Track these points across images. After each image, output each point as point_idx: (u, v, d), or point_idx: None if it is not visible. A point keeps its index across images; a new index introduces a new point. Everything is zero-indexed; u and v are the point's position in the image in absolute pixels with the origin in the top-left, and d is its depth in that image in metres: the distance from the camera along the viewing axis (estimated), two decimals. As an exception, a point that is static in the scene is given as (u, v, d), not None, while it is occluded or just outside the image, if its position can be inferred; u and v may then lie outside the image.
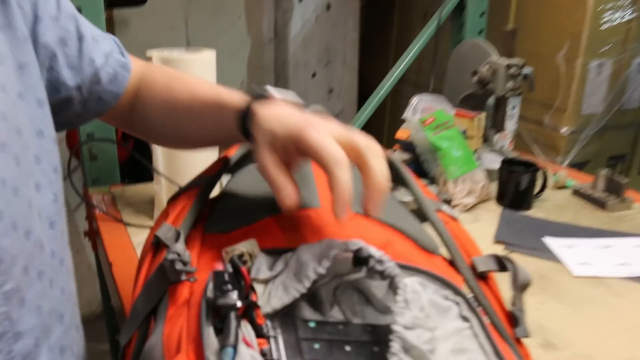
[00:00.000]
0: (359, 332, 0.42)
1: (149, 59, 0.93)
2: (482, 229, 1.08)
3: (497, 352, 0.41)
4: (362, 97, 2.67)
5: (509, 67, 1.27)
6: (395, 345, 0.37)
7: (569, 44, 1.82)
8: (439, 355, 0.39)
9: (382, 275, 0.42)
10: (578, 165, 1.90)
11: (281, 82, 2.57)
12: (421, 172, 1.19)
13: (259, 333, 0.40)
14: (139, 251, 0.94)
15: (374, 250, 0.43)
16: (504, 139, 1.47)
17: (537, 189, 1.21)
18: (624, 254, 0.99)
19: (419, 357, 0.37)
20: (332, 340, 0.41)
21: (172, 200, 0.63)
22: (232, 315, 0.39)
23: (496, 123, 1.36)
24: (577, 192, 1.27)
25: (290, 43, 2.46)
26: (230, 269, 0.43)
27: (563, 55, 1.83)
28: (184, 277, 0.45)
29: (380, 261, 0.42)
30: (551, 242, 1.03)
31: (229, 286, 0.41)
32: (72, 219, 1.97)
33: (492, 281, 0.55)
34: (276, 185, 0.48)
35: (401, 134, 1.25)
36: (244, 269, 0.43)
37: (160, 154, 1.01)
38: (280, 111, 0.51)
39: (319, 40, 2.53)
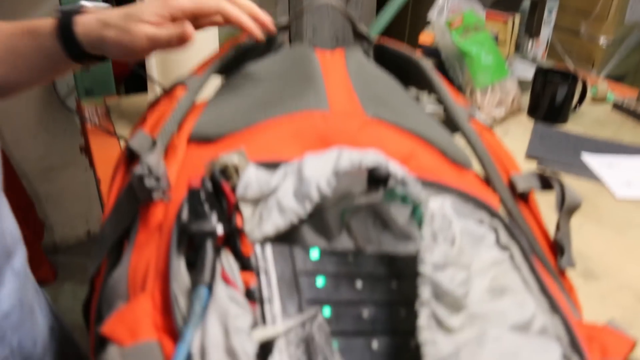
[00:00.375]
0: (373, 264, 0.34)
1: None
2: (512, 143, 0.97)
3: (543, 289, 0.33)
4: (381, 5, 2.50)
5: (550, -38, 1.11)
6: (424, 291, 0.28)
7: (615, -59, 1.63)
8: (474, 297, 0.30)
9: (404, 200, 0.33)
10: (614, 79, 1.76)
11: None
12: (446, 81, 1.07)
13: (245, 266, 0.31)
14: None
15: (395, 167, 0.33)
16: (538, 47, 1.33)
17: (574, 101, 1.09)
18: (672, 174, 0.89)
19: (454, 305, 0.28)
20: (340, 274, 0.33)
21: (153, 105, 0.53)
22: (209, 244, 0.30)
23: (530, 28, 1.22)
24: (618, 107, 1.14)
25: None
26: (209, 187, 0.33)
27: (608, -46, 1.65)
28: (155, 195, 0.36)
29: (403, 182, 0.33)
30: (590, 159, 0.92)
31: (207, 207, 0.32)
32: (71, 135, 1.89)
33: (533, 203, 0.46)
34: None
35: (425, 38, 1.12)
36: (226, 185, 0.34)
37: (153, 60, 0.90)
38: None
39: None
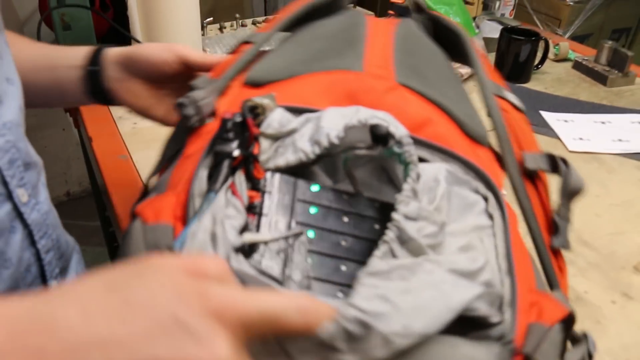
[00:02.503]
0: (364, 206, 0.39)
1: None
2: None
3: (508, 255, 0.37)
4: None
5: None
6: (389, 233, 0.33)
7: None
8: (444, 251, 0.36)
9: (399, 158, 0.38)
10: (579, 38, 1.82)
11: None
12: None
13: (254, 186, 0.38)
14: (119, 124, 0.90)
15: (397, 129, 0.38)
16: (506, 6, 1.37)
17: (537, 60, 1.15)
18: (621, 130, 0.96)
19: (415, 251, 0.34)
20: (331, 208, 0.38)
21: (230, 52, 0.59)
22: (226, 162, 0.37)
23: (499, -12, 1.27)
24: (578, 65, 1.21)
25: None
26: (237, 119, 0.40)
27: None
28: (192, 121, 0.44)
29: (399, 142, 0.38)
30: (548, 116, 0.99)
31: (231, 135, 0.39)
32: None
33: (542, 183, 0.48)
34: None
35: (396, -2, 1.16)
36: (249, 119, 0.40)
37: (137, 21, 0.92)
38: None
39: None
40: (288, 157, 0.39)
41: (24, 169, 0.48)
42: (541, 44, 1.13)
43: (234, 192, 0.35)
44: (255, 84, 0.49)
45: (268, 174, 0.38)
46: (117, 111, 0.93)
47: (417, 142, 0.42)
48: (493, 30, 1.22)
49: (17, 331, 0.22)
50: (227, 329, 0.23)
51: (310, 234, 0.36)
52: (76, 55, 0.58)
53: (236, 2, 2.46)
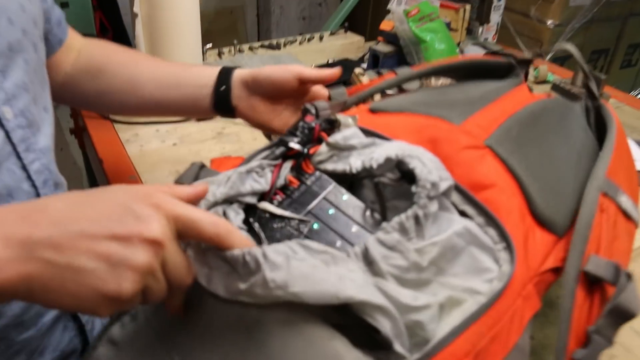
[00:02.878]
0: (375, 223, 0.45)
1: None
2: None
3: (463, 323, 0.39)
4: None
5: (497, -44, 1.23)
6: (356, 248, 0.39)
7: None
8: (426, 290, 0.41)
9: (412, 195, 0.42)
10: (561, 59, 1.90)
11: (262, -32, 2.46)
12: (404, 64, 1.19)
13: (298, 175, 0.47)
14: (127, 147, 0.95)
15: (429, 172, 0.42)
16: (488, 31, 1.45)
17: (517, 83, 1.22)
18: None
19: (376, 273, 0.39)
20: (346, 215, 0.45)
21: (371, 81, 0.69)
22: (280, 148, 0.49)
23: (481, 15, 1.34)
24: (556, 87, 1.28)
25: None
26: (310, 123, 0.51)
27: (555, -57, 1.78)
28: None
29: (420, 183, 0.42)
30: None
31: (298, 132, 0.50)
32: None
33: (601, 292, 0.47)
34: None
35: (385, 25, 1.23)
36: (317, 125, 0.51)
37: (143, 46, 0.98)
38: None
39: None
40: (336, 166, 0.48)
41: (54, 188, 0.54)
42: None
43: (273, 172, 0.45)
44: (373, 111, 0.58)
45: (317, 172, 0.47)
46: (124, 134, 0.98)
47: (466, 197, 0.46)
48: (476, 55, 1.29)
49: (22, 210, 0.33)
50: (161, 216, 0.34)
51: (315, 225, 0.43)
52: (206, 75, 0.68)
53: (230, 25, 2.54)
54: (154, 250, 0.33)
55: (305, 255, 0.36)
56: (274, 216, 0.44)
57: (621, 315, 0.45)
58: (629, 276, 0.45)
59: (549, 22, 1.86)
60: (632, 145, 1.04)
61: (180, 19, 0.96)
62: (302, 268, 0.35)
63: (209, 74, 0.68)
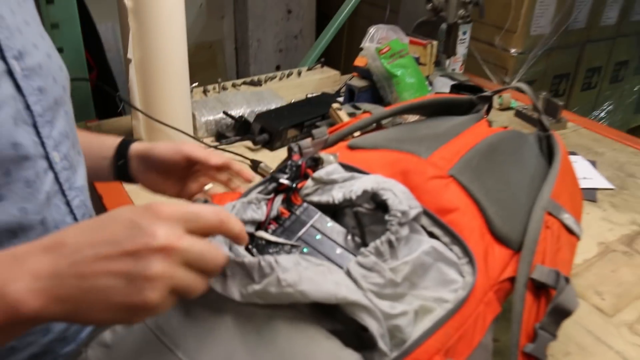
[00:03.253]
0: (355, 247, 0.52)
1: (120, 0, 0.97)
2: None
3: (437, 323, 0.48)
4: (320, 17, 2.69)
5: (460, -5, 1.34)
6: (350, 266, 0.47)
7: (519, -33, 1.89)
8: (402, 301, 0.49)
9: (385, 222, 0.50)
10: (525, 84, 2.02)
11: (239, 3, 2.56)
12: (378, 98, 1.28)
13: (289, 208, 0.55)
14: (132, 196, 1.01)
15: (399, 202, 0.50)
16: (455, 63, 1.56)
17: (483, 111, 1.32)
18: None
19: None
20: (331, 239, 0.52)
21: (349, 120, 0.79)
22: (273, 184, 0.58)
23: (448, 49, 1.45)
24: (519, 113, 1.39)
25: (249, -37, 2.44)
26: (298, 162, 0.59)
27: (514, -22, 1.90)
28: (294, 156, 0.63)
29: (391, 212, 0.50)
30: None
31: (287, 169, 0.59)
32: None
33: (546, 296, 0.56)
34: None
35: (359, 61, 1.32)
36: (304, 163, 0.59)
37: (136, 89, 1.06)
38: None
39: (277, -40, 2.51)
40: (321, 198, 0.56)
41: None
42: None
43: (268, 203, 0.54)
44: (351, 147, 0.67)
45: (304, 204, 0.54)
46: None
47: (433, 220, 0.55)
48: (444, 86, 1.39)
49: (44, 244, 0.38)
50: (162, 222, 0.37)
51: (305, 249, 0.50)
52: (106, 146, 0.74)
53: (210, 58, 2.63)
54: (164, 256, 0.36)
55: (307, 265, 0.44)
56: (269, 242, 0.51)
57: (561, 313, 0.54)
58: (567, 280, 0.55)
59: (513, 50, 1.98)
60: (586, 164, 1.14)
61: (169, 63, 1.04)
62: (307, 272, 0.43)
63: (109, 145, 0.74)
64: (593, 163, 1.17)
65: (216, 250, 0.39)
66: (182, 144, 0.72)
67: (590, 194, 1.05)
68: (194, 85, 1.30)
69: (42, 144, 0.52)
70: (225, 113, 1.17)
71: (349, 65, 1.36)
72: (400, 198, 0.52)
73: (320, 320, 0.46)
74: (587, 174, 1.11)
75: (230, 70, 2.73)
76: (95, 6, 1.74)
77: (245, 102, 1.24)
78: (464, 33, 1.51)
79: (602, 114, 2.51)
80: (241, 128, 1.16)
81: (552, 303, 0.55)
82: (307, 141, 0.65)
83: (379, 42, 1.27)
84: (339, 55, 2.51)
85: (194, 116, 1.17)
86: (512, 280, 0.58)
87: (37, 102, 0.52)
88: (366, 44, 1.28)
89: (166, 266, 0.36)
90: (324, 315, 0.47)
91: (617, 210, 1.01)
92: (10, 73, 0.49)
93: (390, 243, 0.49)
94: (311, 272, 0.44)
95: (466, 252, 0.54)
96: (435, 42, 1.37)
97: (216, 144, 1.15)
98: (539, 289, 0.56)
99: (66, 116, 0.57)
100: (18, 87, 0.50)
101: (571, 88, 2.28)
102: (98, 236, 0.37)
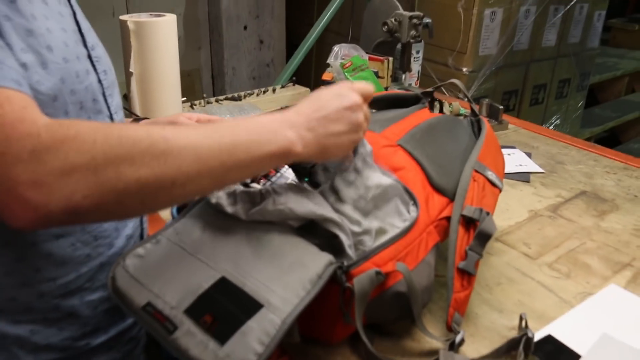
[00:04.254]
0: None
1: (122, 22, 1.16)
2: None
3: (392, 239, 0.67)
4: (290, 47, 2.91)
5: (411, 18, 1.56)
6: (325, 185, 0.66)
7: (466, -5, 2.14)
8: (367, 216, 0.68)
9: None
10: (477, 100, 2.25)
11: (215, 35, 2.76)
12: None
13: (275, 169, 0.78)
14: None
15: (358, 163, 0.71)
16: (411, 78, 1.77)
17: (435, 116, 1.52)
18: (495, 159, 1.33)
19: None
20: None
21: None
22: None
23: (403, 65, 1.66)
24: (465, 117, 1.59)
25: (222, -2, 2.65)
26: None
27: (462, 5, 2.14)
28: None
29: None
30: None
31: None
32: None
33: (474, 228, 0.75)
34: None
35: (326, 76, 1.52)
36: None
37: (136, 98, 1.23)
38: None
39: (248, -5, 2.73)
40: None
41: None
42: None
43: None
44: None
45: (285, 167, 0.78)
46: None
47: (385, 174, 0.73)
48: (402, 96, 1.59)
49: (292, 114, 0.62)
50: (355, 92, 0.64)
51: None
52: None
53: (189, 85, 2.81)
54: (363, 109, 0.64)
55: (296, 190, 0.63)
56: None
57: (484, 237, 0.74)
58: (488, 213, 0.74)
59: (464, 69, 2.21)
60: (522, 155, 1.35)
61: (165, 77, 1.22)
62: (295, 196, 0.61)
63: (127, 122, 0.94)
64: (529, 154, 1.37)
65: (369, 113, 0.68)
66: (177, 115, 0.93)
67: (525, 177, 1.25)
68: (182, 99, 1.48)
69: (108, 107, 0.72)
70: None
71: (318, 82, 1.56)
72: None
73: (304, 235, 0.64)
74: (522, 162, 1.32)
75: (208, 96, 2.91)
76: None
77: (228, 112, 1.43)
78: (417, 52, 1.73)
79: (551, 128, 2.75)
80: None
81: (477, 230, 0.74)
82: None
83: (342, 58, 1.47)
84: (309, 75, 2.72)
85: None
86: (448, 219, 0.77)
87: (104, 79, 0.71)
88: (332, 60, 1.48)
89: (363, 115, 0.65)
90: (306, 232, 0.65)
91: (546, 188, 1.21)
92: (89, 57, 0.69)
93: (356, 168, 0.68)
94: (298, 195, 0.62)
95: (411, 196, 0.73)
96: (391, 59, 1.58)
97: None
98: (468, 223, 0.75)
99: (118, 96, 0.76)
100: (94, 67, 0.69)
101: (520, 103, 2.52)
102: (322, 103, 0.63)
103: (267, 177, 0.75)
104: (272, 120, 0.59)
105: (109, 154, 0.48)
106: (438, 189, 0.78)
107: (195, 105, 1.54)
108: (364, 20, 1.76)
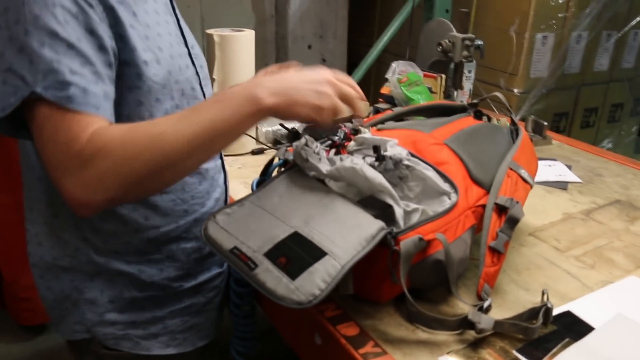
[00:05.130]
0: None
1: (209, 35, 1.35)
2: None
3: (435, 215, 0.85)
4: (350, 65, 3.09)
5: (464, 40, 1.69)
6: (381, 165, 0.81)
7: (519, 21, 2.25)
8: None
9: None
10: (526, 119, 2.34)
11: (281, 53, 2.97)
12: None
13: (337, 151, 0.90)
14: None
15: (395, 152, 0.87)
16: (463, 96, 1.90)
17: (483, 130, 1.65)
18: (536, 169, 1.44)
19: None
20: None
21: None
22: (328, 141, 0.91)
23: (455, 83, 1.79)
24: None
25: (289, 19, 2.86)
26: (346, 130, 0.93)
27: (514, 30, 2.27)
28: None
29: (391, 158, 0.87)
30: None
31: (339, 133, 0.92)
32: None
33: (505, 215, 0.87)
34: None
35: (384, 90, 1.67)
36: (349, 131, 0.93)
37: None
38: None
39: (314, 17, 2.92)
40: (360, 153, 0.90)
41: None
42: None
43: (326, 152, 0.87)
44: (378, 129, 1.01)
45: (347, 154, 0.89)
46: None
47: (433, 169, 0.87)
48: (452, 111, 1.72)
49: (273, 79, 0.74)
50: (328, 70, 0.76)
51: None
52: None
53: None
54: (331, 84, 0.74)
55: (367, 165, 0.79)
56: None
57: (513, 220, 0.87)
58: (517, 202, 0.87)
59: (515, 90, 2.32)
60: (563, 167, 1.46)
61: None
62: (365, 164, 0.77)
63: None
64: (569, 166, 1.48)
65: (355, 88, 0.79)
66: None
67: (563, 185, 1.36)
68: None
69: (204, 94, 0.91)
70: (281, 125, 1.52)
71: (377, 95, 1.71)
72: (394, 149, 0.87)
73: (363, 207, 0.79)
74: (562, 172, 1.43)
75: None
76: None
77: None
78: (469, 71, 1.85)
79: (602, 151, 2.80)
80: (293, 137, 1.51)
81: (507, 215, 0.87)
82: (349, 123, 0.99)
83: (399, 74, 1.63)
84: (368, 91, 2.88)
85: (256, 127, 1.52)
86: (484, 207, 0.90)
87: (200, 72, 0.90)
88: (389, 75, 1.63)
89: (331, 89, 0.74)
90: (365, 205, 0.80)
91: (582, 195, 1.31)
92: (189, 54, 0.88)
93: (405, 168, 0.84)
94: (367, 165, 0.79)
95: (453, 186, 0.87)
96: (444, 76, 1.71)
97: (274, 149, 1.50)
98: (500, 210, 0.89)
99: (210, 87, 0.94)
100: (192, 62, 0.88)
101: (571, 125, 2.60)
102: (297, 75, 0.74)
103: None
104: (240, 87, 0.72)
105: (124, 157, 0.67)
106: (477, 182, 0.91)
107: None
108: (420, 40, 1.91)
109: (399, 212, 0.79)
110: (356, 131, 0.95)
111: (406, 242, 0.76)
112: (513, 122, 1.12)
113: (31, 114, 0.69)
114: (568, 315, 0.86)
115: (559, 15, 2.29)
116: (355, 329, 0.79)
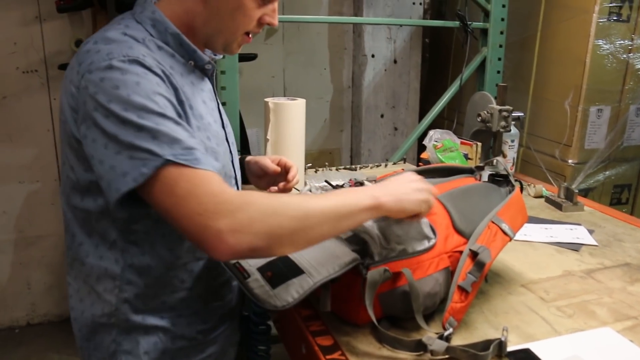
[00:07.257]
0: None
1: (265, 103, 1.62)
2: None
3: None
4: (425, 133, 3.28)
5: (501, 111, 1.85)
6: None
7: (572, 94, 2.36)
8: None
9: None
10: (584, 191, 2.40)
11: (355, 121, 3.23)
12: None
13: None
14: None
15: None
16: (507, 164, 2.03)
17: (515, 194, 1.77)
18: (555, 231, 1.54)
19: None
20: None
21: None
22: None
23: (494, 150, 1.93)
24: (547, 199, 1.81)
25: (364, 90, 3.12)
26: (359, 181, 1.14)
27: (568, 103, 2.37)
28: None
29: None
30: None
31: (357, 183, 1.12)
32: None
33: (477, 258, 1.02)
34: None
35: (424, 155, 1.86)
36: (352, 182, 1.15)
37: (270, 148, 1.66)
38: None
39: (387, 88, 3.17)
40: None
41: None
42: (517, 184, 1.76)
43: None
44: None
45: None
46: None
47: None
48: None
49: (382, 186, 0.96)
50: (429, 192, 0.98)
51: None
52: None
53: (330, 163, 3.28)
54: (425, 187, 0.95)
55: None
56: None
57: (480, 264, 1.01)
58: (487, 248, 1.02)
59: (570, 161, 2.39)
60: (584, 231, 1.55)
61: (292, 144, 1.65)
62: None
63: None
64: (591, 231, 1.56)
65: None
66: (264, 157, 1.31)
67: (575, 247, 1.45)
68: (309, 165, 1.90)
69: (234, 171, 1.12)
70: (326, 181, 1.75)
71: (418, 158, 1.90)
72: None
73: (348, 242, 0.99)
74: (580, 236, 1.52)
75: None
76: (247, 115, 2.47)
77: (341, 177, 1.81)
78: (512, 141, 1.99)
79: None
80: (335, 192, 1.72)
81: (476, 259, 1.02)
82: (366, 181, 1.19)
83: (436, 141, 1.81)
84: (415, 154, 3.04)
85: (305, 182, 1.76)
86: (461, 253, 1.06)
87: (233, 150, 1.12)
88: (426, 142, 1.82)
89: (429, 198, 0.95)
90: (349, 241, 0.99)
91: (591, 256, 1.40)
92: (226, 137, 1.09)
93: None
94: None
95: (434, 231, 1.04)
96: (479, 144, 1.87)
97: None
98: (475, 255, 1.04)
99: (238, 160, 1.17)
100: (227, 140, 1.10)
101: (635, 197, 2.59)
102: (402, 184, 0.95)
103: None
104: (361, 188, 0.93)
105: (272, 209, 0.79)
106: (459, 231, 1.08)
107: (318, 170, 1.95)
108: (467, 111, 2.09)
109: (374, 248, 0.97)
110: (360, 183, 1.15)
111: (373, 272, 0.94)
112: (511, 184, 1.27)
113: (153, 182, 0.78)
114: (525, 352, 0.98)
115: (616, 88, 2.36)
116: (330, 340, 0.97)
